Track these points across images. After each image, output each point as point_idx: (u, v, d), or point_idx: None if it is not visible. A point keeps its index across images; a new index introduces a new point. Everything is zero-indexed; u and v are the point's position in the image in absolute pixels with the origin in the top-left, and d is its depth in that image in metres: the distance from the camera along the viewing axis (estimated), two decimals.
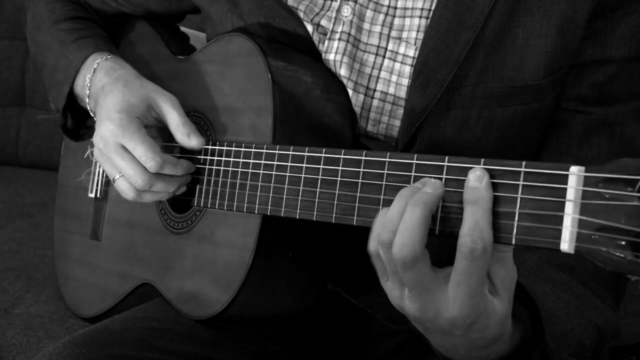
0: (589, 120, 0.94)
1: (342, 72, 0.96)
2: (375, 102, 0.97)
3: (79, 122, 1.16)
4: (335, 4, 0.97)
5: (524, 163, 0.64)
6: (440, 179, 0.70)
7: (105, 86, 1.03)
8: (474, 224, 0.65)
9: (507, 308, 0.71)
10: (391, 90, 0.95)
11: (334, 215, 0.80)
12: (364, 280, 1.04)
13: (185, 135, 0.98)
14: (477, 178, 0.66)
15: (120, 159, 0.96)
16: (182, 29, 1.26)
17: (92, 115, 1.07)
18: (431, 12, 0.93)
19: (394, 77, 0.95)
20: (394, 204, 0.69)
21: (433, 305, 0.69)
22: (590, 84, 0.93)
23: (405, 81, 0.95)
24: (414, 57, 0.94)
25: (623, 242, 0.56)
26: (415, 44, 0.94)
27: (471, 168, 0.67)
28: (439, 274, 0.69)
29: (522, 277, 0.82)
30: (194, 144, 0.98)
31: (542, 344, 0.79)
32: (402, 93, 0.95)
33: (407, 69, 0.94)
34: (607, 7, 0.90)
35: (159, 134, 1.04)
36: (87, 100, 1.07)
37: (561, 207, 0.61)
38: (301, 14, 0.98)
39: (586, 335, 0.85)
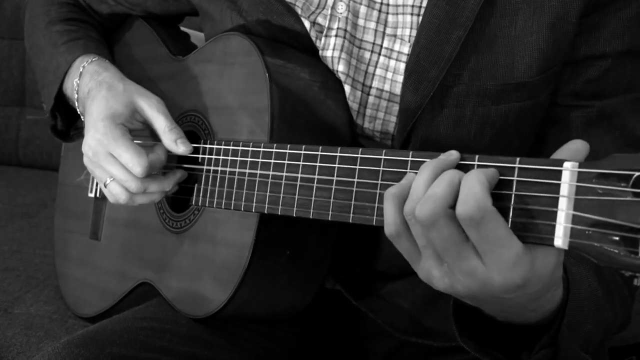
0: (587, 114, 0.94)
1: (341, 68, 0.96)
2: (371, 99, 0.97)
3: (69, 123, 1.17)
4: (330, 1, 0.97)
5: (518, 159, 0.64)
6: None
7: (91, 91, 1.04)
8: (465, 192, 0.64)
9: (558, 255, 0.68)
10: (386, 87, 0.96)
11: (330, 212, 0.80)
12: (368, 283, 1.03)
13: (172, 141, 0.98)
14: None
15: (110, 165, 0.97)
16: (183, 28, 1.26)
17: (82, 118, 1.07)
18: (422, 10, 0.93)
19: (389, 74, 0.95)
20: (418, 175, 0.68)
21: (475, 276, 0.67)
22: (585, 79, 0.93)
23: (400, 78, 0.95)
24: (408, 54, 0.94)
25: (617, 238, 0.56)
26: (409, 41, 0.94)
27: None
28: (469, 242, 0.66)
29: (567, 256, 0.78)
30: (181, 151, 0.98)
31: (553, 329, 0.78)
32: (397, 90, 0.95)
33: (402, 66, 0.95)
34: (600, 3, 0.90)
35: (152, 136, 1.04)
36: (76, 104, 1.08)
37: (555, 203, 0.61)
38: (299, 10, 0.98)
39: (595, 332, 0.85)
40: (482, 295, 0.70)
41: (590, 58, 0.92)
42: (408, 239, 0.70)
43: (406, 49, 0.94)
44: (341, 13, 0.96)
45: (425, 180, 0.68)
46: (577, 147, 0.65)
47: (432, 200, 0.66)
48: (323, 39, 0.97)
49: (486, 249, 0.65)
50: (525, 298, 0.70)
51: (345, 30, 0.96)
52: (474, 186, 0.64)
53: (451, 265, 0.68)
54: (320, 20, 0.97)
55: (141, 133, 1.04)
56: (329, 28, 0.97)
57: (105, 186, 1.00)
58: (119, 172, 0.97)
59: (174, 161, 1.05)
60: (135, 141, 1.00)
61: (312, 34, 0.98)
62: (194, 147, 0.99)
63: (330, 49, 0.97)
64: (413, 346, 1.04)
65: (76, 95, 1.07)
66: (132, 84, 1.03)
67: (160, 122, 0.99)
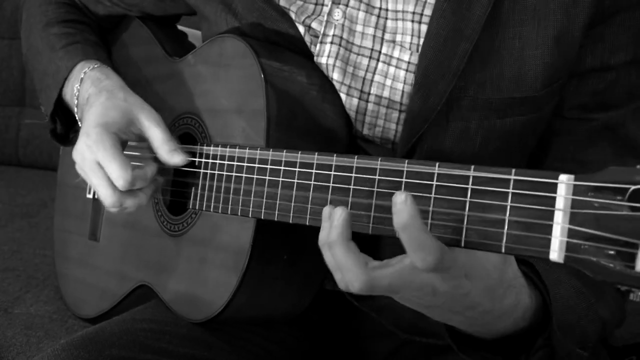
0: (592, 127, 0.94)
1: (335, 76, 0.96)
2: (370, 106, 0.96)
3: (68, 127, 1.16)
4: (326, 8, 0.96)
5: (513, 170, 0.64)
6: (430, 185, 0.69)
7: (90, 97, 1.03)
8: (416, 246, 0.66)
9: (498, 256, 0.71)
10: (385, 94, 0.95)
11: None
12: None
13: (167, 153, 0.97)
14: (401, 201, 0.66)
15: (93, 175, 0.97)
16: (180, 27, 1.26)
17: (80, 124, 1.07)
18: (423, 17, 0.92)
19: (389, 81, 0.95)
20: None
21: (423, 289, 0.70)
22: (591, 91, 0.93)
23: (400, 85, 0.94)
24: (408, 62, 0.93)
25: (612, 252, 0.56)
26: (410, 49, 0.93)
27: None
28: (400, 269, 0.69)
29: (540, 262, 0.81)
30: (177, 161, 0.97)
31: (547, 331, 0.79)
32: (397, 97, 0.94)
33: (402, 73, 0.94)
34: (605, 14, 0.89)
35: (147, 150, 1.04)
36: (75, 109, 1.07)
37: (550, 216, 0.60)
38: (293, 15, 0.98)
39: (592, 328, 0.85)
40: (439, 299, 0.72)
41: (595, 70, 0.92)
42: None
43: (406, 57, 0.93)
44: (337, 20, 0.95)
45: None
46: None
47: (352, 279, 0.69)
48: (318, 45, 0.97)
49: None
50: (478, 299, 0.72)
51: (341, 37, 0.95)
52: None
53: (402, 293, 0.71)
54: (315, 25, 0.97)
55: (136, 146, 1.03)
56: (325, 34, 0.96)
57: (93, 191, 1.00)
58: (99, 185, 0.96)
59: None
60: (127, 152, 0.99)
61: (307, 39, 0.97)
62: (191, 150, 0.99)
63: (325, 56, 0.96)
64: (413, 346, 1.04)
65: (76, 101, 1.06)
66: (133, 94, 1.02)
67: (157, 134, 0.98)
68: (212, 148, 0.96)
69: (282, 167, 0.85)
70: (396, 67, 0.94)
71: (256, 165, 0.89)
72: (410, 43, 0.93)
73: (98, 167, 0.96)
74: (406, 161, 0.72)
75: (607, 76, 0.92)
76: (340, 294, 1.05)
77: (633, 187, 0.55)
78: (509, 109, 0.91)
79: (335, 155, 0.79)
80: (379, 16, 0.95)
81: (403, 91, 0.94)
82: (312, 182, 0.81)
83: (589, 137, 0.94)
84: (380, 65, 0.95)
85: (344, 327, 1.11)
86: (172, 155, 0.97)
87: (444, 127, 0.92)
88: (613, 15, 0.89)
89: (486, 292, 0.72)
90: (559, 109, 0.95)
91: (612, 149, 0.93)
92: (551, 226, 0.60)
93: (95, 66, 1.07)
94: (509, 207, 0.64)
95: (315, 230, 0.83)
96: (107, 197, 0.96)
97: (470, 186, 0.66)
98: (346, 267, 0.69)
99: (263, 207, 0.87)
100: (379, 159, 0.74)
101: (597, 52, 0.91)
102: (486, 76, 0.90)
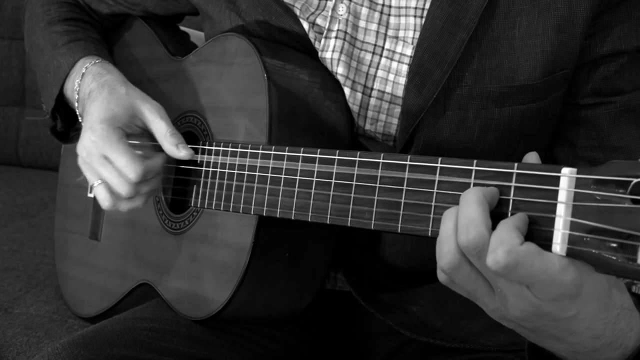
0: (611, 110, 0.93)
1: (340, 70, 0.96)
2: (372, 101, 0.97)
3: (69, 125, 1.17)
4: (330, 3, 0.97)
5: (515, 165, 0.64)
6: (433, 180, 0.69)
7: (92, 92, 1.03)
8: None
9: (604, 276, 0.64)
10: (388, 89, 0.95)
11: (328, 216, 0.80)
12: (378, 284, 1.03)
13: (173, 146, 0.97)
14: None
15: (103, 169, 0.97)
16: (182, 28, 1.26)
17: (80, 120, 1.07)
18: (425, 12, 0.93)
19: (391, 75, 0.95)
20: (443, 223, 0.66)
21: (525, 297, 0.64)
22: (602, 77, 0.93)
23: (403, 80, 0.94)
24: (411, 56, 0.94)
25: (614, 244, 0.56)
26: (412, 43, 0.94)
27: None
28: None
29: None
30: (182, 155, 0.97)
31: None
32: (399, 92, 0.95)
33: (405, 68, 0.94)
34: (612, 3, 0.89)
35: (151, 139, 1.04)
36: (76, 104, 1.07)
37: (553, 208, 0.61)
38: (297, 11, 0.98)
39: None
40: (540, 320, 0.66)
41: (606, 57, 0.92)
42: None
43: (409, 51, 0.94)
44: (342, 15, 0.96)
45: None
46: (532, 160, 0.65)
47: (474, 225, 0.63)
48: (323, 40, 0.97)
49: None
50: (588, 322, 0.67)
51: (346, 32, 0.96)
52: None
53: (503, 290, 0.66)
54: (319, 21, 0.97)
55: (139, 138, 1.04)
56: (329, 30, 0.97)
57: (92, 188, 1.00)
58: (111, 176, 0.96)
59: (173, 163, 1.05)
60: (132, 142, 0.99)
61: (311, 36, 0.98)
62: (193, 148, 0.99)
63: (330, 51, 0.96)
64: (414, 346, 1.04)
65: (77, 96, 1.07)
66: (134, 88, 1.03)
67: (161, 127, 0.98)
68: (214, 146, 0.97)
69: (285, 164, 0.85)
70: (399, 61, 0.95)
71: (258, 162, 0.89)
72: (413, 38, 0.94)
73: (107, 160, 0.97)
74: (409, 156, 0.72)
75: (619, 59, 0.92)
76: (341, 294, 1.06)
77: (635, 180, 0.56)
78: (507, 97, 0.91)
79: (337, 151, 0.80)
80: (382, 12, 0.95)
81: (405, 87, 0.94)
82: (315, 179, 0.82)
83: (610, 121, 0.93)
84: (383, 60, 0.95)
85: (345, 327, 1.11)
86: (178, 149, 0.97)
87: (441, 117, 0.92)
88: (620, 2, 0.90)
89: (597, 314, 0.67)
90: (573, 98, 0.94)
91: (638, 133, 0.92)
92: (554, 219, 0.61)
93: (97, 61, 1.08)
94: (511, 201, 0.64)
95: (318, 228, 0.84)
96: (122, 185, 0.96)
97: (472, 180, 0.67)
98: (469, 215, 0.63)
99: (265, 204, 0.88)
100: (382, 154, 0.75)
101: (607, 40, 0.91)
102: (484, 65, 0.91)
